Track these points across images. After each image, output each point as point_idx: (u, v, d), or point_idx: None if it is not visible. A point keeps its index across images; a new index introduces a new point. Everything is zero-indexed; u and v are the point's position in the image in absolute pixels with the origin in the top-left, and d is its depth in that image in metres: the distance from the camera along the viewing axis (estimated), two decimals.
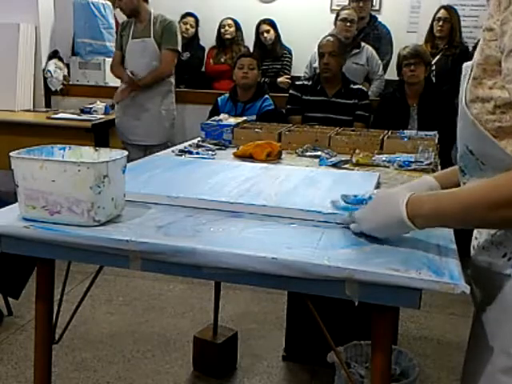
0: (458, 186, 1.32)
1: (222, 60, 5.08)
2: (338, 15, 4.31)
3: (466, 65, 1.09)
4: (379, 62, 4.33)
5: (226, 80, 4.80)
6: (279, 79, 4.86)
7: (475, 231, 1.15)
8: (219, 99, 3.80)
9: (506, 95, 0.96)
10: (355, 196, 1.28)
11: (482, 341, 1.09)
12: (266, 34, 4.95)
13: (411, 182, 1.56)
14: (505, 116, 0.98)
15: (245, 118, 2.81)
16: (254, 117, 3.47)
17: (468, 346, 1.18)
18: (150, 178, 1.60)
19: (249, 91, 3.70)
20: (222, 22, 5.12)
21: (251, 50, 4.97)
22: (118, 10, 4.15)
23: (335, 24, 4.30)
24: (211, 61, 5.16)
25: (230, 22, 5.10)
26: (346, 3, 4.72)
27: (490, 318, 1.07)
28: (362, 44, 4.29)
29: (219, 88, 4.76)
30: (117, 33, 4.18)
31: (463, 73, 1.09)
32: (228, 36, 5.07)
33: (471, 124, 1.02)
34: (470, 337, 1.18)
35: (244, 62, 3.67)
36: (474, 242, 1.15)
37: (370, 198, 1.17)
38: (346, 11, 4.28)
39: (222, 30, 5.09)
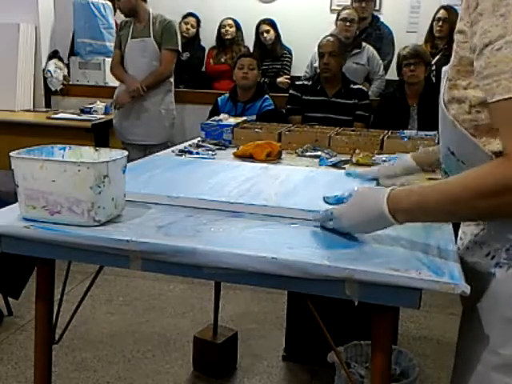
0: (431, 166, 1.50)
1: (222, 60, 5.07)
2: (338, 15, 4.32)
3: (445, 68, 1.10)
4: (380, 62, 4.33)
5: (226, 80, 4.80)
6: (279, 79, 4.86)
7: (460, 232, 1.16)
8: (219, 99, 3.80)
9: (480, 94, 0.98)
10: (335, 196, 1.29)
11: (471, 340, 1.10)
12: (265, 34, 4.95)
13: (384, 164, 1.71)
14: (480, 115, 0.99)
15: (245, 118, 2.81)
16: (253, 117, 3.47)
17: (457, 345, 1.19)
18: (151, 177, 1.60)
19: (249, 91, 3.70)
20: (222, 22, 5.12)
21: (251, 50, 4.96)
22: (118, 11, 4.15)
23: (336, 24, 4.31)
24: (211, 61, 5.16)
25: (230, 22, 5.10)
26: (346, 3, 4.72)
27: (477, 317, 1.08)
28: (363, 44, 4.29)
29: (219, 88, 4.76)
30: (116, 32, 4.18)
31: (442, 76, 1.11)
32: (228, 36, 5.07)
33: (451, 124, 1.04)
34: (458, 336, 1.19)
35: (244, 62, 3.67)
36: (458, 243, 1.15)
37: (350, 195, 1.18)
38: (346, 11, 4.28)
39: (223, 30, 5.08)
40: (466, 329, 1.14)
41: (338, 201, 1.26)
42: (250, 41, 5.17)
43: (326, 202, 1.31)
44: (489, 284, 1.04)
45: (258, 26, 5.01)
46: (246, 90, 3.69)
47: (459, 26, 1.02)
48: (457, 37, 1.03)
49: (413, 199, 1.03)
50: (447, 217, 1.06)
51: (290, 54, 5.09)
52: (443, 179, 1.10)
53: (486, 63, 0.92)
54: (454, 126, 1.03)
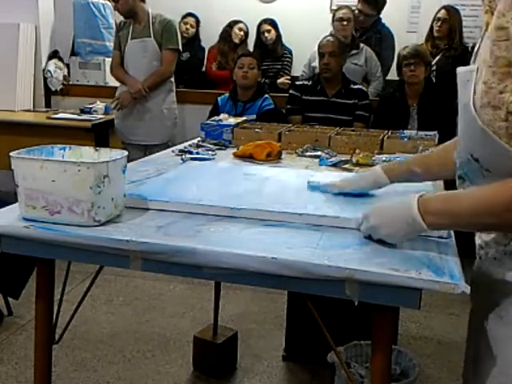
0: (403, 178, 1.43)
1: (224, 63, 5.02)
2: (334, 15, 4.32)
3: (466, 69, 1.03)
4: (378, 63, 4.33)
5: (228, 86, 4.76)
6: (279, 80, 4.84)
7: (480, 241, 1.12)
8: (219, 99, 3.80)
9: None
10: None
11: (493, 351, 1.06)
12: (266, 34, 4.93)
13: (359, 172, 1.63)
14: None
15: (245, 117, 2.81)
16: (253, 116, 3.49)
17: (470, 357, 1.16)
18: (199, 187, 1.51)
19: (249, 91, 3.70)
20: (233, 24, 5.01)
21: (251, 49, 4.95)
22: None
23: (332, 25, 4.31)
24: (213, 66, 5.09)
25: (242, 26, 5.02)
26: (346, 3, 4.72)
27: (505, 330, 1.04)
28: (361, 45, 4.29)
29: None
30: (115, 33, 4.17)
31: (465, 78, 1.03)
32: (237, 41, 5.03)
33: (480, 131, 0.97)
34: (470, 347, 1.17)
35: (244, 61, 3.68)
36: (480, 252, 1.12)
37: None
38: (341, 11, 4.28)
39: (237, 32, 4.99)
40: (482, 339, 1.10)
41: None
42: (250, 41, 5.15)
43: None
44: None
45: (259, 26, 5.00)
46: (246, 90, 3.69)
47: (499, 22, 0.93)
48: (493, 34, 0.94)
49: (441, 202, 1.02)
50: (474, 224, 1.02)
51: (291, 54, 5.07)
52: (476, 187, 1.04)
53: None
54: (484, 134, 0.96)
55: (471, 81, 0.99)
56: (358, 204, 1.36)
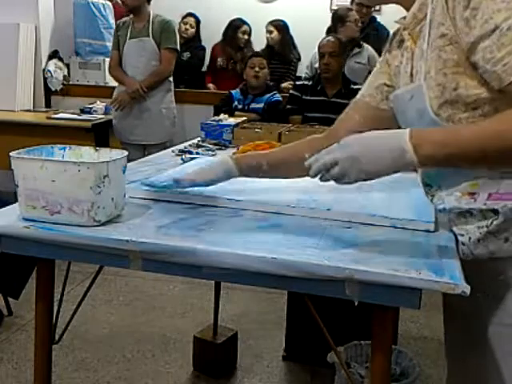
0: (253, 172, 1.37)
1: (230, 67, 5.01)
2: (342, 17, 4.30)
3: (405, 90, 1.13)
4: None
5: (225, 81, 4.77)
6: (283, 85, 4.85)
7: (459, 230, 1.15)
8: (232, 91, 3.92)
9: (473, 92, 1.01)
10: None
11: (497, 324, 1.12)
12: (268, 35, 4.94)
13: (209, 163, 1.46)
14: (477, 111, 1.03)
15: (244, 118, 2.81)
16: (261, 105, 3.74)
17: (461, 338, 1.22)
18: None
19: (259, 89, 3.84)
20: (237, 25, 5.01)
21: (255, 49, 4.96)
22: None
23: (337, 25, 4.30)
24: (218, 62, 5.08)
25: (245, 28, 4.99)
26: (346, 3, 4.72)
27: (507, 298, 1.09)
28: (363, 43, 4.30)
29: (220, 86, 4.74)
30: (114, 33, 4.16)
31: (407, 96, 1.12)
32: (242, 44, 5.02)
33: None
34: (454, 335, 1.20)
35: (255, 61, 3.83)
36: (463, 239, 1.15)
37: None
38: (354, 12, 4.29)
39: (240, 36, 4.98)
40: (485, 314, 1.15)
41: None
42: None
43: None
44: (509, 267, 1.08)
45: (266, 26, 5.02)
46: (257, 89, 3.83)
47: (440, 30, 1.04)
48: (437, 42, 1.05)
49: (444, 133, 1.01)
50: (478, 157, 0.97)
51: (299, 59, 5.08)
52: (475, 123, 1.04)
53: (498, 46, 0.94)
54: None
55: (417, 96, 1.08)
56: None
